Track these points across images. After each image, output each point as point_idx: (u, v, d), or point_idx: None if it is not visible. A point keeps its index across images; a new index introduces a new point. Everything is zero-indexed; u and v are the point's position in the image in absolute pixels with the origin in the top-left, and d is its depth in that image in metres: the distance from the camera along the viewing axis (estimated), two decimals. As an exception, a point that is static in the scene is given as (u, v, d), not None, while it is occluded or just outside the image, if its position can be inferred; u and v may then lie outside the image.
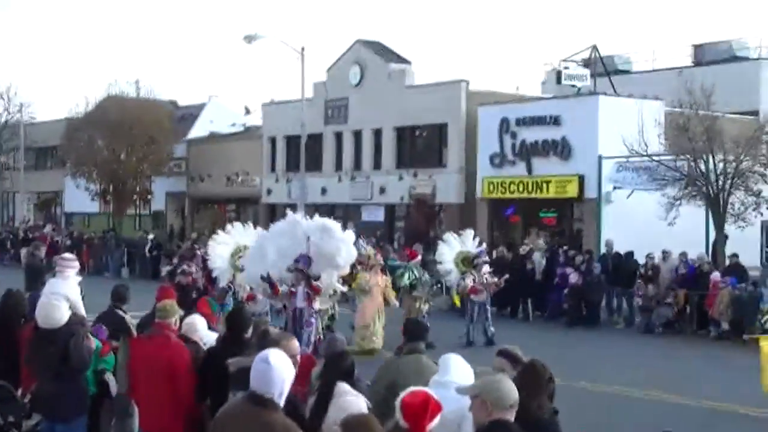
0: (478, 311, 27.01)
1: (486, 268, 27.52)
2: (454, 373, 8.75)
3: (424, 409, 7.09)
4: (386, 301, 25.62)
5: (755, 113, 40.84)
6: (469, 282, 26.99)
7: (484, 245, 30.15)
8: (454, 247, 28.46)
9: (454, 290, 29.04)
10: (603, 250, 35.44)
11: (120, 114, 60.89)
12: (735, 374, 23.42)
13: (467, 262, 27.73)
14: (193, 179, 65.01)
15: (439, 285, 30.10)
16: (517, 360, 8.66)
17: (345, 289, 24.59)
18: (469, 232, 29.25)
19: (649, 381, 21.32)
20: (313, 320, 21.76)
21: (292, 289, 21.52)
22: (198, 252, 31.68)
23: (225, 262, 24.47)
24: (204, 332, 11.48)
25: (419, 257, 28.56)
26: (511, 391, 6.72)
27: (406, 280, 26.90)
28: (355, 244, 31.27)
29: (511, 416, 6.61)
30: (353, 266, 28.91)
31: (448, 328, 27.01)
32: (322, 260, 21.96)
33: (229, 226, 26.09)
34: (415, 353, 10.24)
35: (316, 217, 24.13)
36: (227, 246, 24.77)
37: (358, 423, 6.82)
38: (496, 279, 27.53)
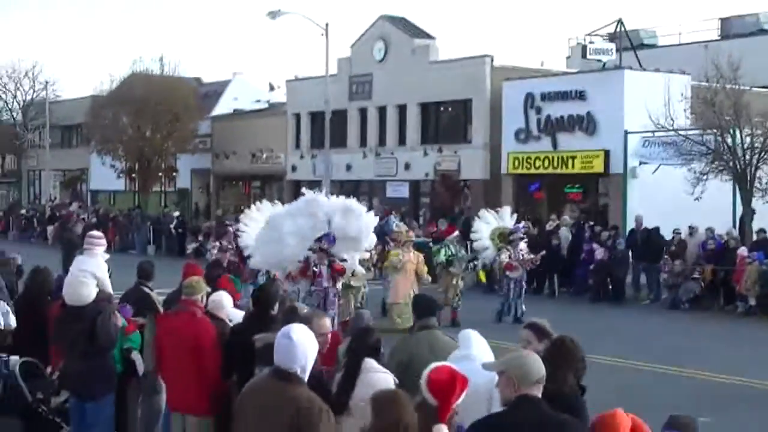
0: (513, 287, 26.88)
1: (522, 245, 27.36)
2: (476, 347, 8.76)
3: (451, 384, 7.09)
4: (418, 278, 25.06)
5: (783, 87, 40.59)
6: (504, 258, 26.87)
7: (523, 222, 30.07)
8: (490, 222, 28.33)
9: (480, 266, 28.91)
10: (630, 225, 35.35)
11: (145, 91, 60.98)
12: (762, 350, 23.36)
13: (503, 237, 27.57)
14: (218, 156, 65.05)
15: (476, 261, 29.67)
16: (543, 333, 8.62)
17: (364, 271, 23.95)
18: (507, 209, 29.20)
19: (674, 357, 21.27)
20: (335, 300, 21.49)
21: (316, 270, 20.97)
22: (230, 228, 31.51)
23: (252, 239, 23.93)
24: (230, 309, 11.48)
25: (456, 233, 28.24)
26: (537, 367, 6.66)
27: (442, 257, 26.62)
28: (387, 221, 31.21)
29: (537, 392, 6.57)
30: (386, 243, 28.86)
31: (477, 305, 26.95)
32: (344, 242, 21.37)
33: (258, 203, 25.61)
34: (428, 329, 10.22)
35: (334, 197, 23.29)
36: (257, 223, 24.18)
37: (389, 398, 6.81)
38: (532, 256, 27.39)
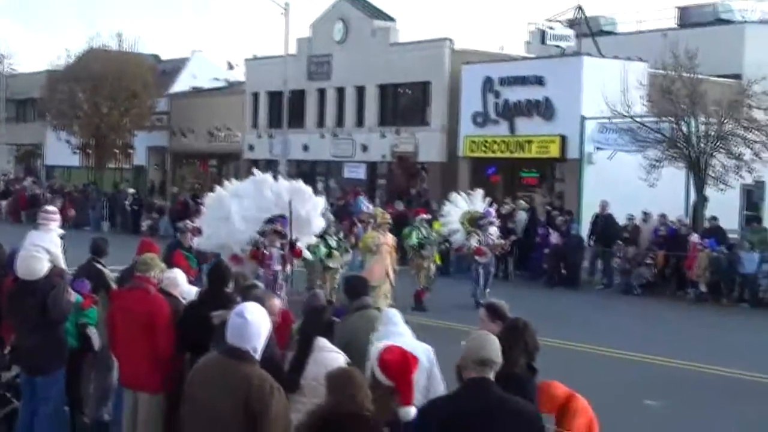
0: (482, 274, 26.34)
1: (493, 230, 26.95)
2: (402, 325, 8.87)
3: (405, 363, 7.16)
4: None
5: (738, 77, 40.89)
6: (474, 243, 26.36)
7: (494, 206, 29.71)
8: (461, 206, 27.84)
9: (436, 249, 27.79)
10: (585, 210, 35.58)
11: (102, 67, 60.49)
12: (711, 336, 23.62)
13: (473, 222, 27.08)
14: (175, 134, 64.74)
15: (447, 244, 29.28)
16: (496, 313, 8.70)
17: (311, 257, 23.50)
18: (479, 192, 28.63)
19: (624, 341, 21.44)
20: (284, 284, 20.79)
21: (265, 252, 20.32)
22: (203, 208, 30.70)
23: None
24: (185, 287, 11.48)
25: (426, 215, 27.76)
26: (483, 347, 6.66)
27: (414, 239, 26.14)
28: (356, 201, 30.93)
29: (487, 373, 6.58)
30: (353, 224, 28.10)
31: (445, 289, 26.86)
32: (296, 225, 20.85)
33: (227, 183, 24.92)
34: (363, 309, 10.30)
35: (282, 179, 22.53)
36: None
37: (344, 376, 6.86)
38: (502, 241, 27.11)
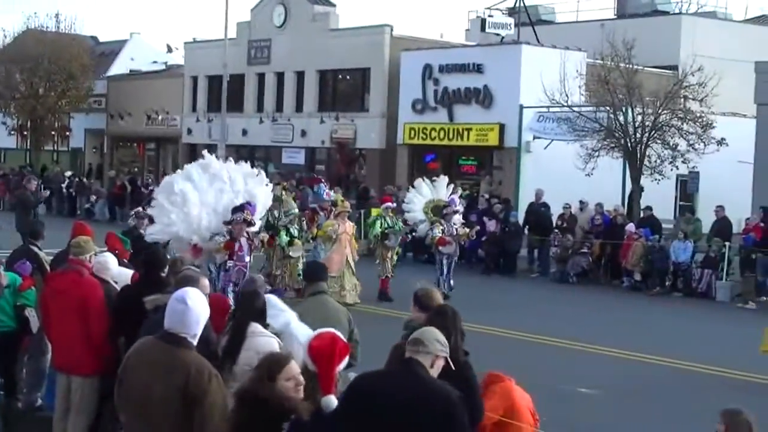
0: (445, 263, 25.38)
1: (457, 218, 26.06)
2: (279, 307, 8.92)
3: (331, 352, 7.18)
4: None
5: (674, 68, 41.25)
6: (437, 232, 25.29)
7: (458, 193, 29.07)
8: (425, 194, 26.86)
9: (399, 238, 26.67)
10: (522, 199, 35.77)
11: (39, 48, 59.89)
12: (644, 324, 23.88)
13: (437, 210, 26.16)
14: (113, 117, 64.24)
15: (413, 234, 28.11)
16: (416, 300, 8.80)
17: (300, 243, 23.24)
18: (443, 179, 27.61)
19: (558, 329, 21.60)
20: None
21: (233, 243, 19.04)
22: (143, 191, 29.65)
23: None
24: (115, 270, 11.39)
25: (391, 203, 27.09)
26: (421, 333, 6.76)
27: (378, 228, 25.57)
28: (318, 189, 30.45)
29: (422, 357, 6.62)
30: (314, 212, 26.55)
31: (407, 279, 26.22)
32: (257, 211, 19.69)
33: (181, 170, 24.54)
34: (318, 294, 10.34)
35: (231, 162, 20.90)
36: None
37: (277, 362, 6.87)
38: (467, 230, 26.29)
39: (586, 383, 16.69)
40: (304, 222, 25.29)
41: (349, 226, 24.29)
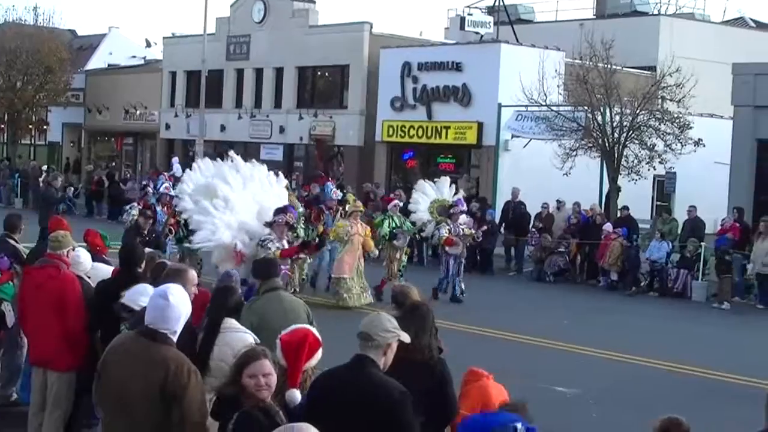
0: (453, 265, 25.00)
1: (463, 219, 25.62)
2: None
3: (299, 346, 7.21)
4: (322, 244, 22.62)
5: (652, 68, 41.41)
6: (444, 233, 24.84)
7: (461, 193, 28.51)
8: (429, 194, 26.64)
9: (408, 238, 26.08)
10: (500, 197, 35.83)
11: (16, 41, 59.62)
12: (621, 323, 23.96)
13: (443, 210, 25.83)
14: (91, 111, 64.06)
15: (421, 234, 27.98)
16: (396, 300, 8.85)
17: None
18: (445, 179, 27.55)
19: (535, 328, 21.66)
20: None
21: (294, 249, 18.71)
22: (149, 190, 29.18)
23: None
24: (87, 265, 11.31)
25: (397, 202, 26.31)
26: (364, 325, 6.74)
27: (386, 229, 24.84)
28: (325, 188, 29.99)
29: (364, 349, 6.66)
30: (320, 212, 25.72)
31: (417, 281, 25.65)
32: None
33: (199, 161, 23.68)
34: (273, 290, 10.35)
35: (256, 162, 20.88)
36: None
37: (243, 358, 6.88)
38: (473, 230, 25.72)
39: (562, 382, 16.74)
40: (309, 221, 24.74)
41: (361, 227, 23.70)
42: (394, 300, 8.89)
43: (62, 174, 32.28)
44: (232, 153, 20.69)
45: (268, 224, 18.33)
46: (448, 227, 24.93)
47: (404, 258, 25.34)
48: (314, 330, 7.59)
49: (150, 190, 29.56)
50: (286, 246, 18.40)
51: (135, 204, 26.07)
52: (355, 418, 6.43)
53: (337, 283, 23.33)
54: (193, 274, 9.12)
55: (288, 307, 10.04)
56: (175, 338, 6.94)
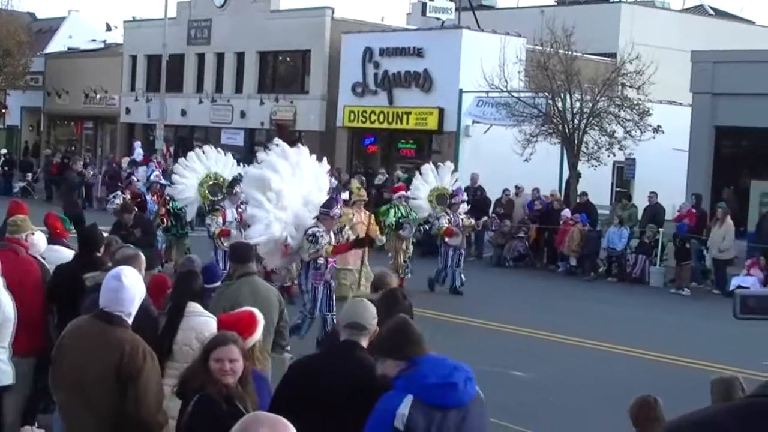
0: (452, 256, 24.29)
1: (463, 208, 24.85)
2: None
3: (235, 326, 7.26)
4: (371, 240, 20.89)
5: (613, 55, 41.60)
6: (444, 223, 24.02)
7: (457, 181, 26.89)
8: (430, 181, 25.42)
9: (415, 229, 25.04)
10: (461, 183, 35.86)
11: (-26, 24, 59.17)
12: (579, 308, 24.12)
13: (442, 199, 24.84)
14: (50, 94, 63.61)
15: (427, 224, 26.02)
16: (374, 286, 8.93)
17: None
18: (449, 165, 26.47)
19: (494, 313, 21.76)
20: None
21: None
22: (134, 178, 27.77)
23: (194, 191, 22.07)
24: (41, 246, 11.25)
25: (403, 193, 25.36)
26: (354, 314, 6.74)
27: (391, 218, 23.96)
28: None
29: (355, 337, 6.66)
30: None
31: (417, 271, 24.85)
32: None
33: (198, 150, 23.45)
34: (246, 275, 10.38)
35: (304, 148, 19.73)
36: (196, 173, 22.12)
37: (210, 342, 6.90)
38: (472, 221, 25.10)
39: (520, 366, 16.86)
40: None
41: (364, 215, 22.04)
42: (373, 286, 8.99)
43: (77, 162, 31.12)
44: (277, 140, 19.87)
45: (317, 216, 17.40)
46: (447, 217, 24.17)
47: (410, 249, 24.45)
48: (256, 312, 7.64)
49: (134, 178, 28.22)
50: (333, 238, 17.41)
51: (119, 192, 25.21)
52: (353, 403, 6.37)
53: (340, 275, 21.36)
54: (143, 258, 9.15)
55: (259, 292, 10.06)
56: (130, 320, 6.95)
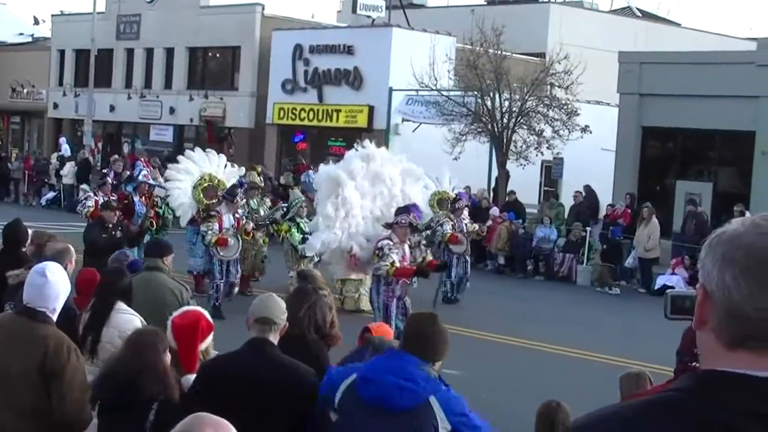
0: (457, 264, 22.90)
1: (465, 214, 23.75)
2: None
3: (192, 329, 7.21)
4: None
5: (542, 55, 41.90)
6: (448, 229, 22.67)
7: (455, 186, 26.09)
8: (429, 186, 24.03)
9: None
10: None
11: None
12: (508, 306, 24.24)
13: (443, 204, 23.59)
14: (-25, 89, 62.89)
15: (429, 229, 23.62)
16: (300, 274, 8.99)
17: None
18: (443, 169, 25.81)
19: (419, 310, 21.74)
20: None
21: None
22: (108, 180, 26.18)
23: (188, 195, 21.19)
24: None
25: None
26: (264, 309, 6.72)
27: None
28: (306, 176, 27.92)
29: (268, 334, 6.63)
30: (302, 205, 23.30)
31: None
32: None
33: (189, 152, 22.77)
34: (150, 270, 10.36)
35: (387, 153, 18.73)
36: (190, 176, 21.25)
37: (149, 334, 6.88)
38: (476, 226, 23.83)
39: (451, 364, 16.87)
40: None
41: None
42: (299, 275, 9.06)
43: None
44: (366, 142, 19.15)
45: (388, 225, 16.64)
46: (451, 223, 22.90)
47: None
48: (205, 312, 7.61)
49: (109, 179, 26.72)
50: (408, 252, 16.67)
51: (91, 194, 23.07)
52: (267, 401, 6.38)
53: (344, 285, 20.73)
54: (72, 252, 9.07)
55: (150, 288, 9.94)
56: (54, 316, 6.89)
